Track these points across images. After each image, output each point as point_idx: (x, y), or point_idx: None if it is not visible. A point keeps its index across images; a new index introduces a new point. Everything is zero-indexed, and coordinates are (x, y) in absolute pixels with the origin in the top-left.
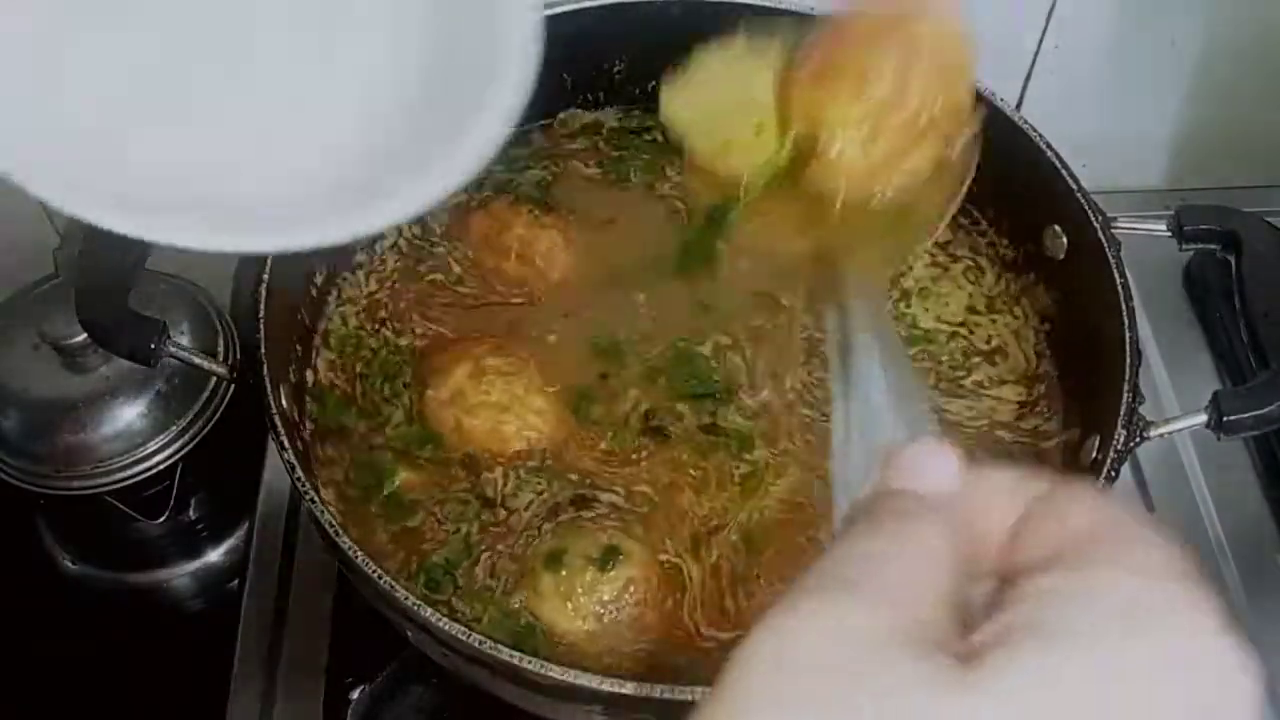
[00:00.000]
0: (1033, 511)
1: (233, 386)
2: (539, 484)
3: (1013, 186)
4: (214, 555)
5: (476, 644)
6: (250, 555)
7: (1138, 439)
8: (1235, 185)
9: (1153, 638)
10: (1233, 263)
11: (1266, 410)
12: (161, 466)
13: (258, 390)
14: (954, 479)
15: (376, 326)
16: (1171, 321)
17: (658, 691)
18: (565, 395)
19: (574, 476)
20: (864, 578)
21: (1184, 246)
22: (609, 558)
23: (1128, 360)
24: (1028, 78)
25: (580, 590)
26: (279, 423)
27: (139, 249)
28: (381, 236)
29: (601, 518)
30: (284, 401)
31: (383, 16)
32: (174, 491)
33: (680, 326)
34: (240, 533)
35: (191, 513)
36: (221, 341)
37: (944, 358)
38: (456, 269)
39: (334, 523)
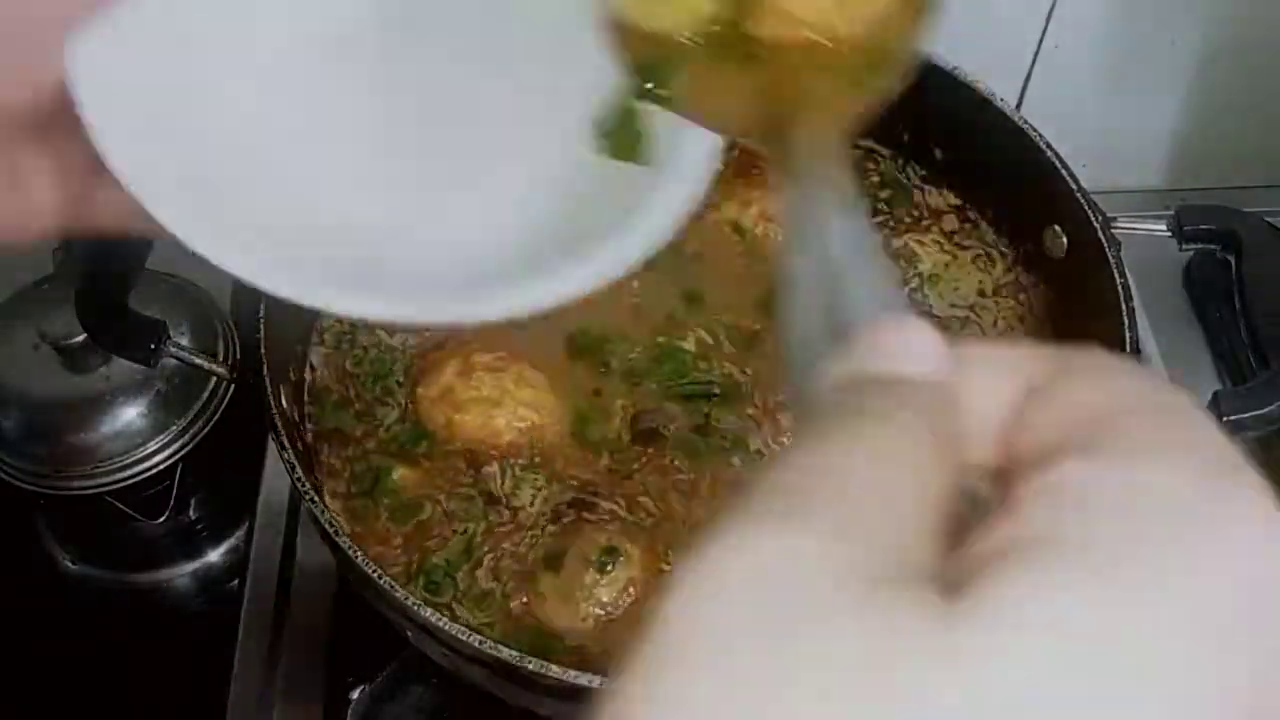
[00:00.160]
0: (1038, 388)
1: (233, 386)
2: (536, 480)
3: (1013, 186)
4: (214, 555)
5: (477, 644)
6: (250, 555)
7: None
8: (1235, 185)
9: (1205, 550)
10: (1233, 263)
11: (1266, 410)
12: (161, 466)
13: (258, 390)
14: (939, 358)
15: (370, 327)
16: (1171, 321)
17: None
18: (554, 387)
19: (574, 482)
20: (822, 495)
21: (1184, 246)
22: (608, 559)
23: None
24: (1028, 78)
25: (581, 590)
26: (279, 423)
27: (139, 250)
28: None
29: (603, 521)
30: (284, 402)
31: (571, 112)
32: (174, 491)
33: (663, 324)
34: (240, 533)
35: (191, 513)
36: (221, 341)
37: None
38: None
39: (334, 523)
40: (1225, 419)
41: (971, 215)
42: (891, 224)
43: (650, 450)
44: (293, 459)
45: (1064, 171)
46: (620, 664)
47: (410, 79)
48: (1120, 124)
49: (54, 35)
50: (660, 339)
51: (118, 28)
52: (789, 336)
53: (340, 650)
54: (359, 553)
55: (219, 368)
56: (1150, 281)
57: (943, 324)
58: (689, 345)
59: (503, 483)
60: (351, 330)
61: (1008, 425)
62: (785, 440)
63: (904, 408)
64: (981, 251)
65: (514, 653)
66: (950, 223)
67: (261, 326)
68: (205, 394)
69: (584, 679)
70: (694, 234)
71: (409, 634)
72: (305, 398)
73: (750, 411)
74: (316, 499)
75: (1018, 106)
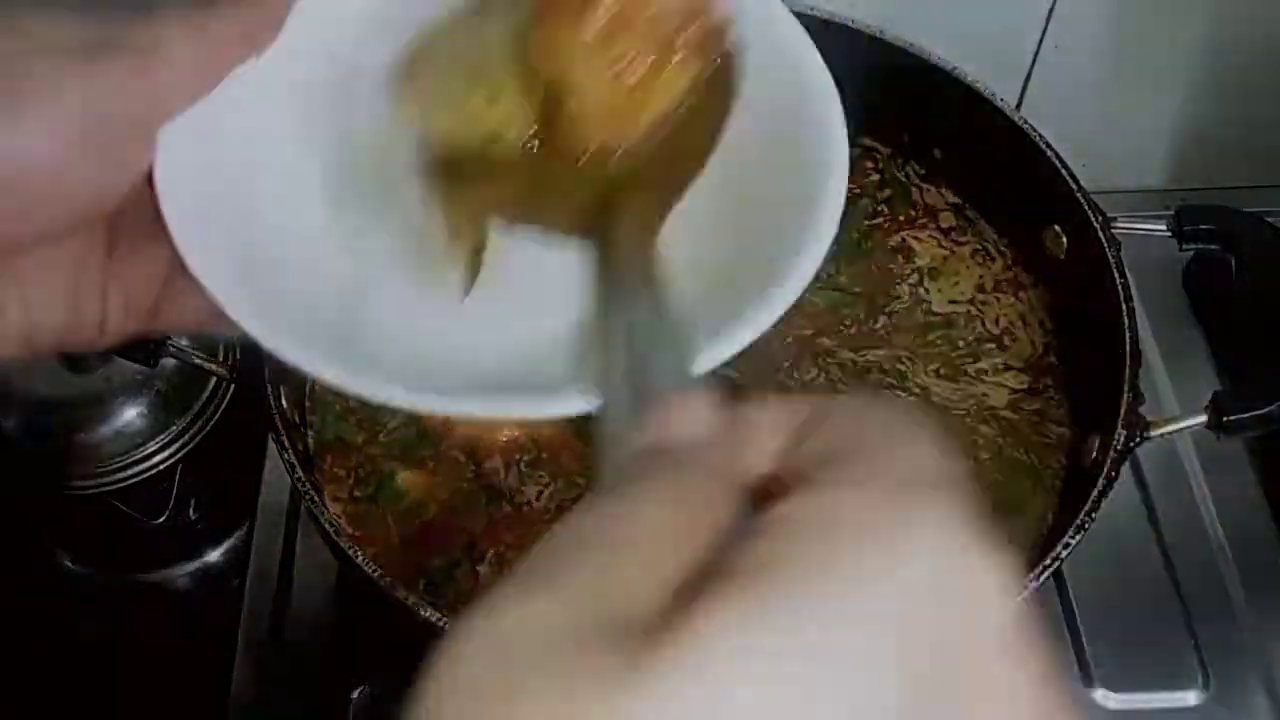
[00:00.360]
0: (791, 437)
1: (233, 386)
2: (542, 477)
3: (1013, 186)
4: (214, 555)
5: None
6: (250, 555)
7: (1138, 439)
8: (1235, 185)
9: (877, 568)
10: (1233, 263)
11: (1266, 410)
12: (161, 466)
13: (258, 390)
14: (718, 424)
15: None
16: (1171, 321)
17: None
18: None
19: (580, 480)
20: (574, 564)
21: (1184, 246)
22: None
23: (1127, 360)
24: (1028, 78)
25: None
26: (279, 423)
27: None
28: None
29: None
30: (284, 402)
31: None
32: (174, 491)
33: None
34: (240, 533)
35: (191, 513)
36: (221, 342)
37: (960, 343)
38: None
39: (334, 522)
40: (1225, 419)
41: (970, 214)
42: (887, 224)
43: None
44: (293, 459)
45: (1064, 171)
46: None
47: None
48: (1120, 124)
49: (137, 136)
50: None
51: (188, 127)
52: (597, 407)
53: (340, 650)
54: (359, 552)
55: (219, 368)
56: (1150, 281)
57: (946, 320)
58: None
59: (506, 476)
60: None
61: (762, 480)
62: None
63: (673, 470)
64: (979, 246)
65: None
66: (948, 219)
67: None
68: (205, 394)
69: None
70: None
71: (409, 634)
72: (306, 400)
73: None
74: (316, 499)
75: (1018, 106)
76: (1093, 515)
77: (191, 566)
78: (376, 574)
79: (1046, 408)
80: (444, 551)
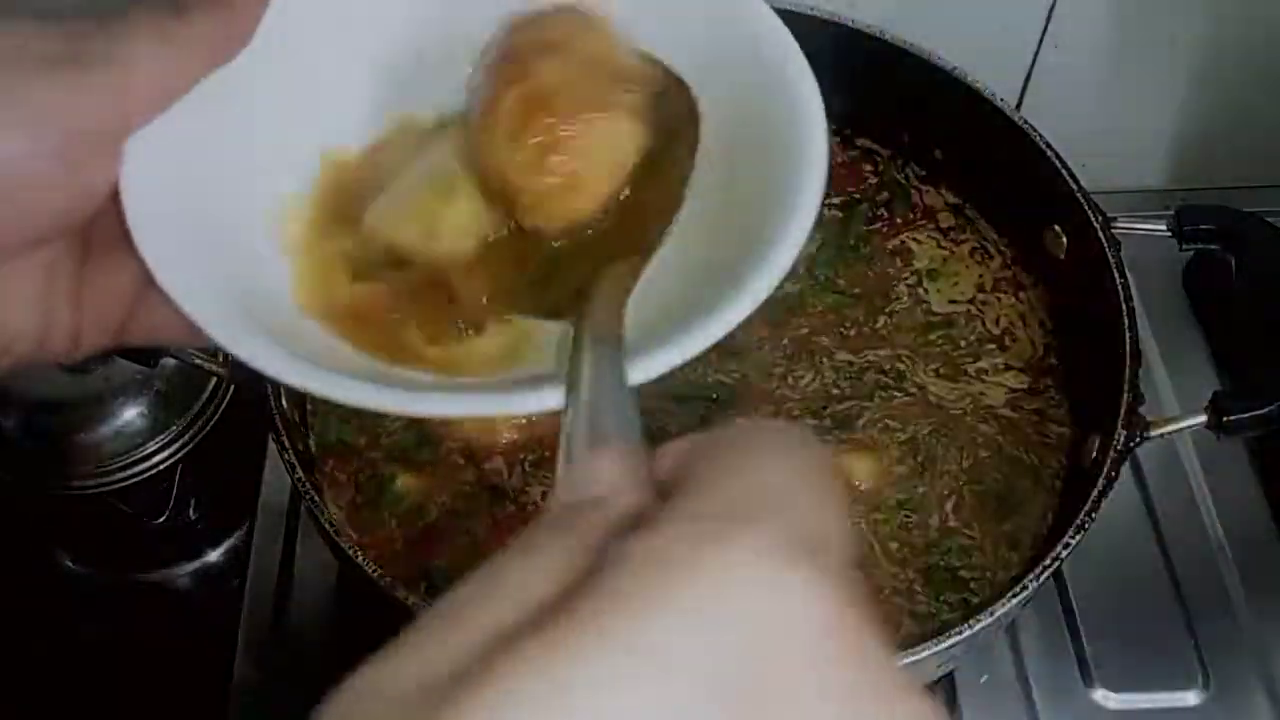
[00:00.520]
0: (666, 474)
1: (233, 386)
2: (546, 477)
3: (1013, 186)
4: (214, 555)
5: None
6: (250, 555)
7: (1138, 439)
8: (1235, 185)
9: (684, 608)
10: (1233, 263)
11: (1266, 410)
12: (161, 466)
13: (258, 390)
14: (608, 483)
15: None
16: (1171, 321)
17: None
18: None
19: None
20: (425, 624)
21: (1184, 246)
22: None
23: (1127, 360)
24: (1028, 78)
25: None
26: (280, 423)
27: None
28: None
29: None
30: (284, 402)
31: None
32: (174, 491)
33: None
34: (240, 533)
35: (191, 513)
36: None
37: (961, 342)
38: None
39: (333, 522)
40: (1225, 419)
41: (970, 214)
42: (885, 228)
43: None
44: (293, 459)
45: (1064, 171)
46: None
47: None
48: (1120, 124)
49: (104, 147)
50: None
51: (156, 137)
52: (560, 454)
53: (340, 650)
54: (359, 553)
55: (219, 368)
56: (1150, 281)
57: (945, 320)
58: None
59: (509, 477)
60: None
61: None
62: None
63: (546, 532)
64: (978, 245)
65: None
66: (947, 220)
67: None
68: (205, 394)
69: None
70: None
71: None
72: (307, 401)
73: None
74: (316, 499)
75: (1018, 106)
76: (1093, 515)
77: (191, 566)
78: (376, 574)
79: (1046, 407)
80: (446, 553)
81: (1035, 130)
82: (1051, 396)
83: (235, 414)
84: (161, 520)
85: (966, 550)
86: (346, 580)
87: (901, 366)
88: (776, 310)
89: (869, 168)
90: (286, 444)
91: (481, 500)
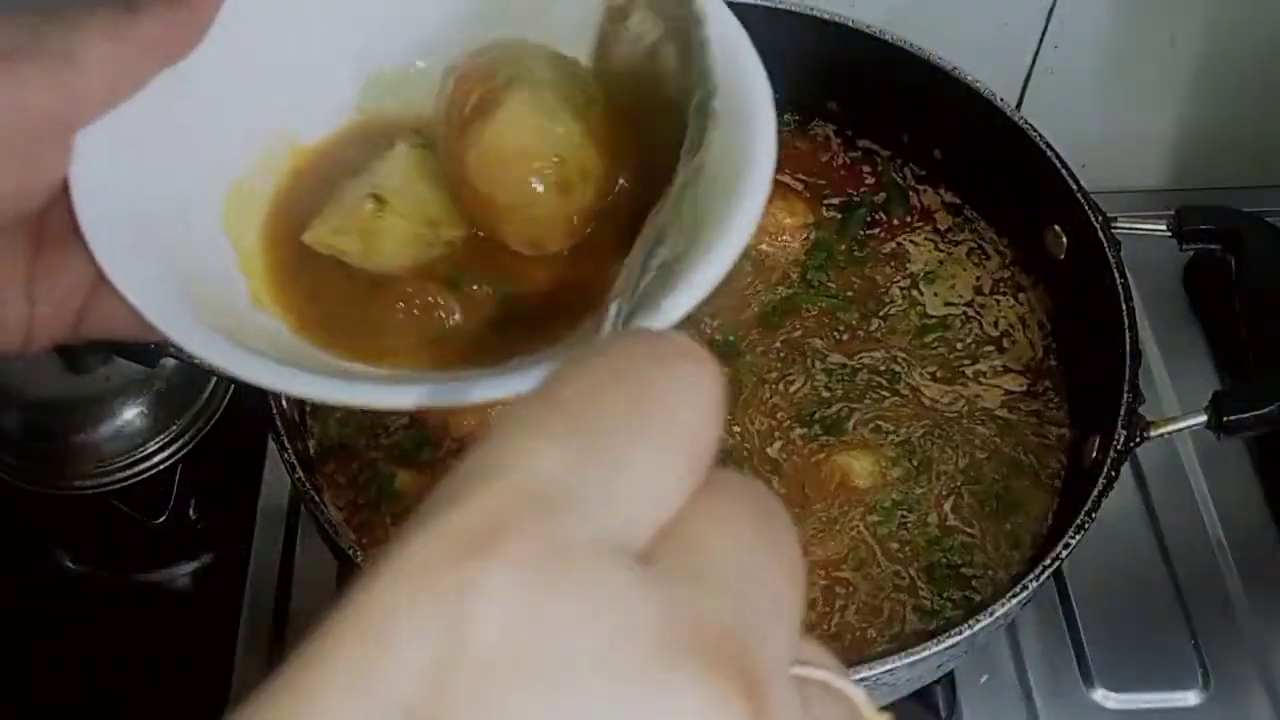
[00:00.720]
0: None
1: (233, 386)
2: None
3: (1013, 186)
4: (214, 555)
5: None
6: (250, 555)
7: (1138, 439)
8: (1235, 185)
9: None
10: (1233, 263)
11: (1266, 410)
12: (161, 466)
13: (258, 390)
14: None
15: None
16: (1171, 321)
17: None
18: None
19: None
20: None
21: (1184, 246)
22: None
23: (1128, 360)
24: (1028, 78)
25: None
26: (280, 423)
27: None
28: None
29: None
30: (284, 402)
31: None
32: (174, 491)
33: None
34: (240, 533)
35: (191, 513)
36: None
37: (958, 344)
38: None
39: (333, 522)
40: (1225, 419)
41: (969, 214)
42: (882, 233)
43: None
44: (293, 459)
45: (1064, 171)
46: None
47: None
48: (1120, 124)
49: (53, 141)
50: None
51: (107, 132)
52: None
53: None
54: (359, 553)
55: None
56: (1150, 281)
57: (941, 322)
58: None
59: None
60: None
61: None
62: (782, 456)
63: None
64: (975, 245)
65: None
66: (945, 221)
67: None
68: (205, 394)
69: None
70: None
71: None
72: (306, 403)
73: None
74: (317, 499)
75: (1018, 106)
76: (1093, 515)
77: (191, 566)
78: None
79: (1045, 409)
80: None
81: (1035, 130)
82: (1051, 398)
83: (235, 414)
84: (161, 520)
85: (968, 548)
86: (346, 580)
87: (896, 368)
88: (769, 313)
89: (868, 169)
90: (286, 444)
91: None
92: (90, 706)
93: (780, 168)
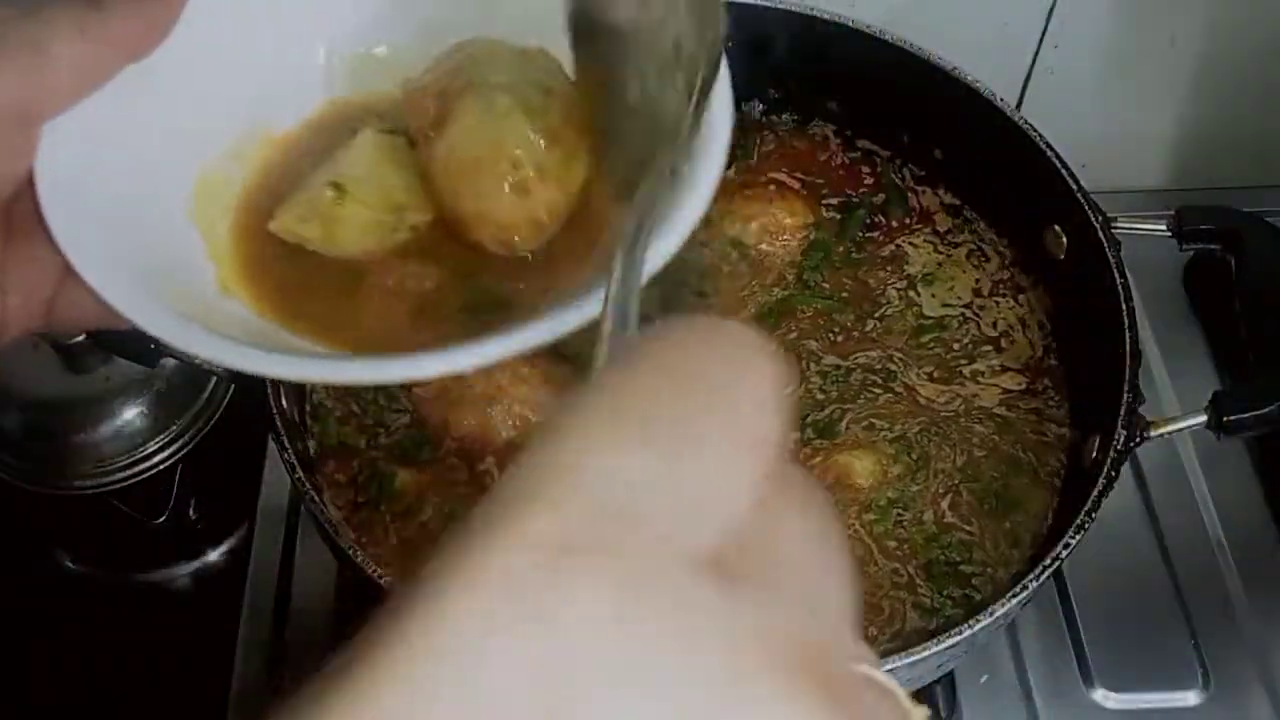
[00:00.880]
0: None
1: (233, 386)
2: None
3: (1013, 186)
4: (214, 555)
5: None
6: (250, 555)
7: (1138, 439)
8: (1235, 185)
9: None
10: (1233, 263)
11: (1266, 410)
12: (161, 466)
13: (258, 390)
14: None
15: None
16: (1171, 321)
17: None
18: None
19: None
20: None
21: (1184, 246)
22: None
23: (1128, 360)
24: (1028, 78)
25: None
26: (280, 423)
27: None
28: None
29: None
30: (284, 402)
31: None
32: (174, 491)
33: None
34: (240, 533)
35: (191, 513)
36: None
37: (955, 345)
38: None
39: (334, 522)
40: (1225, 419)
41: (969, 214)
42: (881, 236)
43: None
44: (293, 459)
45: (1064, 171)
46: None
47: None
48: (1120, 124)
49: (20, 132)
50: None
51: (75, 124)
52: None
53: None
54: (359, 553)
55: (219, 368)
56: (1150, 281)
57: (938, 322)
58: None
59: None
60: None
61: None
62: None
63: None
64: (975, 247)
65: None
66: (944, 222)
67: None
68: (205, 394)
69: None
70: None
71: None
72: (307, 402)
73: None
74: (316, 499)
75: (1018, 106)
76: (1093, 515)
77: (191, 566)
78: (376, 574)
79: (1044, 406)
80: None
81: (1035, 130)
82: (1050, 396)
83: (235, 414)
84: (161, 520)
85: (967, 546)
86: (346, 580)
87: (892, 367)
88: (765, 315)
89: (867, 169)
90: (286, 444)
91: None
92: (90, 706)
93: (779, 167)
